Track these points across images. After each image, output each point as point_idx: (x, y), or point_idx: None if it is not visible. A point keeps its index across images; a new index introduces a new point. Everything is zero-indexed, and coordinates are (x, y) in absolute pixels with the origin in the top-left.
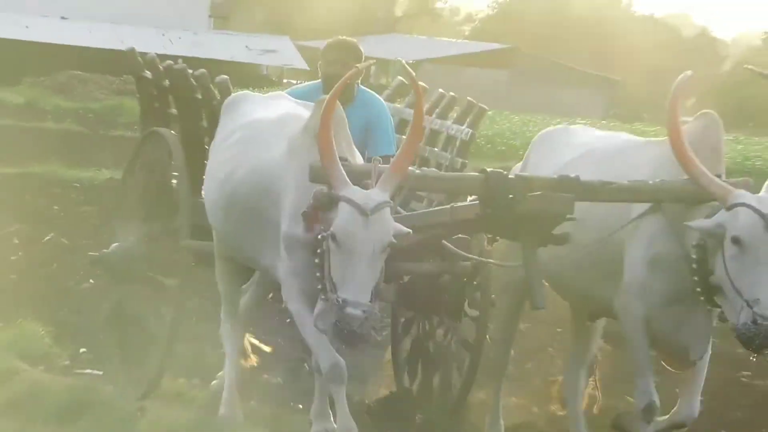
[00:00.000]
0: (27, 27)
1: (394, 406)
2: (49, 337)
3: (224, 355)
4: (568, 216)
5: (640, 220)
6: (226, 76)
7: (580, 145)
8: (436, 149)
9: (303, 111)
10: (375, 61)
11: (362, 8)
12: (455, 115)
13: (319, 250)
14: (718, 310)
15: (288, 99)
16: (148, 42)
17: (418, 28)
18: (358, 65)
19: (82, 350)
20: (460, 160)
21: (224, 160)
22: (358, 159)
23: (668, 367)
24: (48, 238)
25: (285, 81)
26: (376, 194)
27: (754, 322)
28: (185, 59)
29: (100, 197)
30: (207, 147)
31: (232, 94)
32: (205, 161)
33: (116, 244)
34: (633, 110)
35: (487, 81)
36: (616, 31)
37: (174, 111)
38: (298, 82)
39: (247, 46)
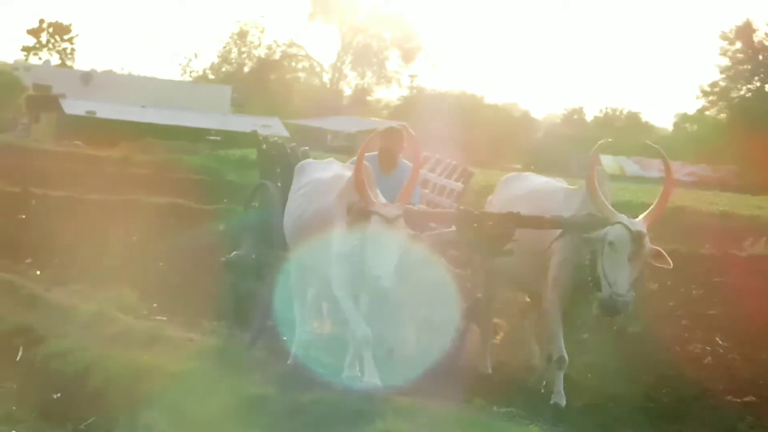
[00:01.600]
0: (121, 112)
1: None
2: (135, 296)
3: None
4: (512, 238)
5: (559, 239)
6: (306, 148)
7: (527, 187)
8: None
9: (347, 172)
10: (405, 124)
11: (321, 99)
12: (455, 175)
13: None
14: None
15: (337, 164)
16: (194, 120)
17: (356, 112)
18: (396, 124)
19: (154, 304)
20: (456, 204)
21: (298, 204)
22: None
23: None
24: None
25: None
26: (394, 208)
27: (611, 297)
28: (216, 131)
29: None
30: None
31: (301, 162)
32: None
33: (236, 252)
34: (480, 162)
35: None
36: (476, 112)
37: (278, 170)
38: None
39: (253, 123)
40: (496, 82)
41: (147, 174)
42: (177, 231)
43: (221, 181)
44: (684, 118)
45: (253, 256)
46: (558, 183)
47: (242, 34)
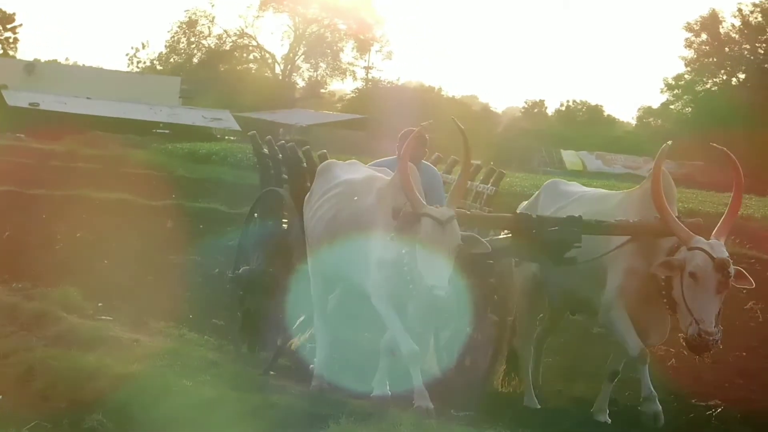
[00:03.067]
0: (65, 103)
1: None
2: (80, 295)
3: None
4: (576, 244)
5: (621, 244)
6: (324, 150)
7: (575, 193)
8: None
9: (380, 174)
10: (430, 121)
11: (273, 92)
12: (482, 177)
13: (406, 267)
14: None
15: (360, 164)
16: (142, 112)
17: (309, 105)
18: (423, 123)
19: (100, 304)
20: (487, 209)
21: (328, 208)
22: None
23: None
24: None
25: (226, 138)
26: (447, 210)
27: (699, 334)
28: (165, 124)
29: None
30: None
31: (323, 163)
32: None
33: (245, 267)
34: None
35: (351, 138)
36: (432, 106)
37: (285, 176)
38: (234, 138)
39: (203, 116)
40: (455, 74)
41: (93, 168)
42: (124, 228)
43: (170, 175)
44: (648, 112)
45: (271, 271)
46: (604, 190)
47: (191, 24)
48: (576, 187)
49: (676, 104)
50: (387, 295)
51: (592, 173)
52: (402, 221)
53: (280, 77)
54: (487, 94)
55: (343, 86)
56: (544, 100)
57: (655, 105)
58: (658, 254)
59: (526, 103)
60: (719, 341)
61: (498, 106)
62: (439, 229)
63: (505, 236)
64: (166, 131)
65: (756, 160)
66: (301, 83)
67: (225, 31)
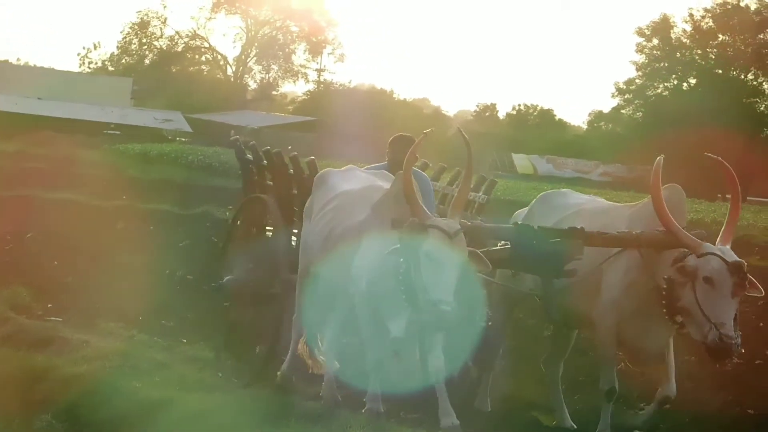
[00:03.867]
0: (16, 104)
1: None
2: (29, 296)
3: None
4: (577, 256)
5: (618, 255)
6: (313, 157)
7: (573, 205)
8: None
9: (380, 182)
10: (431, 130)
11: (224, 93)
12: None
13: (401, 277)
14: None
15: (359, 171)
16: (93, 113)
17: (261, 107)
18: (425, 131)
19: (49, 305)
20: (479, 218)
21: (325, 222)
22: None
23: (631, 366)
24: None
25: (177, 139)
26: (454, 222)
27: (720, 339)
28: (116, 125)
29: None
30: (296, 209)
31: (320, 172)
32: (294, 219)
33: (229, 276)
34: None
35: (302, 140)
36: (386, 108)
37: (269, 182)
38: (186, 139)
39: (154, 117)
40: (406, 77)
41: (43, 168)
42: (74, 228)
43: (121, 176)
44: (599, 117)
45: (257, 281)
46: (602, 200)
47: (143, 25)
48: (570, 198)
49: (627, 109)
50: (370, 307)
51: (543, 177)
52: (407, 232)
53: (232, 79)
54: (438, 97)
55: (294, 88)
56: (495, 104)
57: (606, 109)
58: (658, 267)
59: (477, 106)
60: (740, 345)
61: (449, 109)
62: (447, 241)
63: (502, 247)
64: (117, 132)
65: (706, 165)
66: (252, 85)
67: (177, 32)
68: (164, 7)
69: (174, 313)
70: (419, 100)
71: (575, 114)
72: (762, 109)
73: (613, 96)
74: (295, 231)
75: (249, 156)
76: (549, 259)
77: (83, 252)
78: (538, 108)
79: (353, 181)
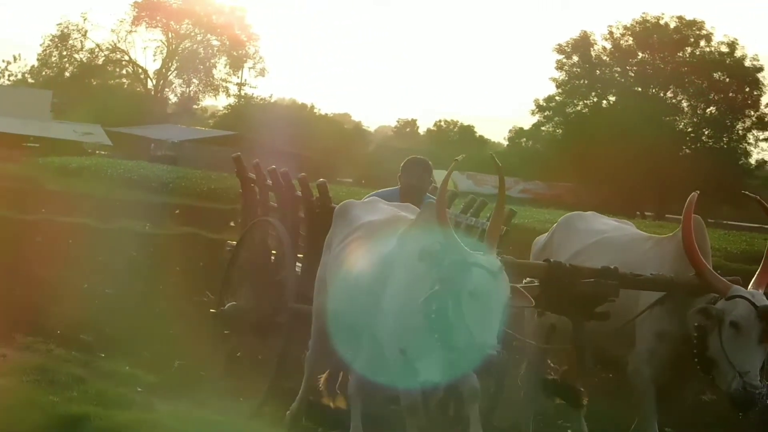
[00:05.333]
0: None
1: None
2: None
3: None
4: (611, 298)
5: (648, 300)
6: (324, 180)
7: (596, 232)
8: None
9: (404, 213)
10: (463, 156)
11: (144, 107)
12: (489, 214)
13: (433, 315)
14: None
15: (382, 202)
16: (13, 126)
17: (182, 121)
18: (457, 158)
19: None
20: (498, 250)
21: (347, 254)
22: None
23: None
24: None
25: (97, 152)
26: (495, 259)
27: (744, 388)
28: (35, 138)
29: None
30: (302, 233)
31: (341, 203)
32: (300, 243)
33: (231, 303)
34: (311, 175)
35: (223, 154)
36: (305, 123)
37: (274, 204)
38: (106, 153)
39: (74, 130)
40: (327, 92)
41: None
42: None
43: (40, 190)
44: (519, 133)
45: (261, 309)
46: (629, 227)
47: (63, 37)
48: (593, 222)
49: (547, 126)
50: (399, 347)
51: (463, 193)
52: (446, 270)
53: (153, 92)
54: (359, 112)
55: (215, 102)
56: (416, 120)
57: (527, 126)
58: (690, 314)
59: (398, 121)
60: (766, 396)
61: (370, 125)
62: (491, 280)
63: (530, 284)
64: (37, 145)
65: (625, 182)
66: (173, 98)
67: (97, 45)
68: (84, 20)
69: (92, 327)
70: (340, 114)
71: (496, 130)
72: (681, 126)
73: (533, 113)
74: (300, 256)
75: (252, 175)
76: (580, 301)
77: (1, 265)
78: (459, 124)
79: (376, 213)
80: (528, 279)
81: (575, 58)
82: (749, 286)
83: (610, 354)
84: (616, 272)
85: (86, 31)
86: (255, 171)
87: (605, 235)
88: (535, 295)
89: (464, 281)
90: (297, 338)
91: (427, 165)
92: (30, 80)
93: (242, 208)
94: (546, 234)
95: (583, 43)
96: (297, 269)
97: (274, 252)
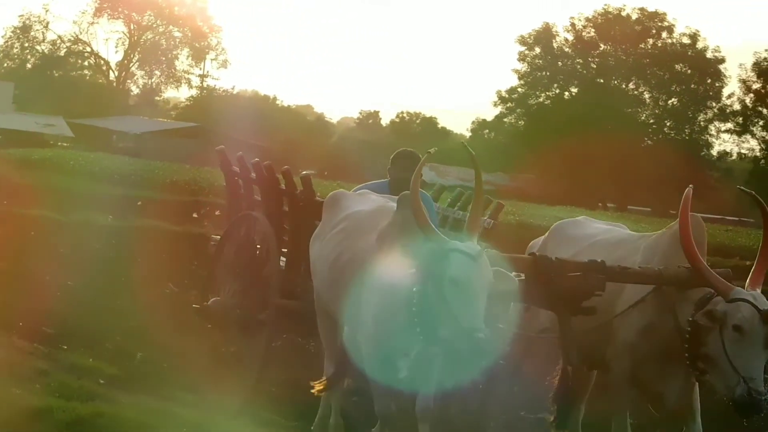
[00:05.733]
0: None
1: None
2: None
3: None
4: (597, 292)
5: (634, 292)
6: (307, 172)
7: (589, 236)
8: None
9: (392, 204)
10: (435, 149)
11: (106, 99)
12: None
13: (414, 308)
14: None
15: (373, 194)
16: None
17: (144, 112)
18: (430, 150)
19: None
20: (484, 244)
21: (333, 246)
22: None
23: (654, 412)
24: None
25: (59, 144)
26: (474, 244)
27: (749, 394)
28: None
29: None
30: (286, 227)
31: (331, 193)
32: (284, 237)
33: (214, 298)
34: (277, 166)
35: (185, 146)
36: (267, 115)
37: (258, 197)
38: (68, 144)
39: (35, 122)
40: (290, 83)
41: None
42: None
43: (2, 181)
44: (482, 125)
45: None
46: (621, 229)
47: (25, 29)
48: (586, 228)
49: (510, 117)
50: (389, 344)
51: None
52: (425, 259)
53: (115, 84)
54: (322, 104)
55: (177, 94)
56: (378, 111)
57: (489, 118)
58: (680, 306)
59: (360, 113)
60: None
61: (333, 116)
62: (472, 264)
63: (516, 278)
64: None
65: (587, 174)
66: (135, 90)
67: (59, 36)
68: (46, 11)
69: (55, 319)
70: (302, 106)
71: (459, 122)
72: (643, 118)
73: (495, 104)
74: (284, 250)
75: (235, 169)
76: (567, 295)
77: None
78: (421, 116)
79: (364, 203)
80: (513, 273)
81: (537, 50)
82: (746, 285)
83: (593, 350)
84: (603, 266)
85: (48, 23)
86: (239, 164)
87: (597, 238)
88: (520, 289)
89: (444, 268)
90: (280, 334)
91: (416, 157)
92: None
93: (226, 202)
94: (538, 240)
95: (545, 35)
96: (281, 264)
97: (258, 246)
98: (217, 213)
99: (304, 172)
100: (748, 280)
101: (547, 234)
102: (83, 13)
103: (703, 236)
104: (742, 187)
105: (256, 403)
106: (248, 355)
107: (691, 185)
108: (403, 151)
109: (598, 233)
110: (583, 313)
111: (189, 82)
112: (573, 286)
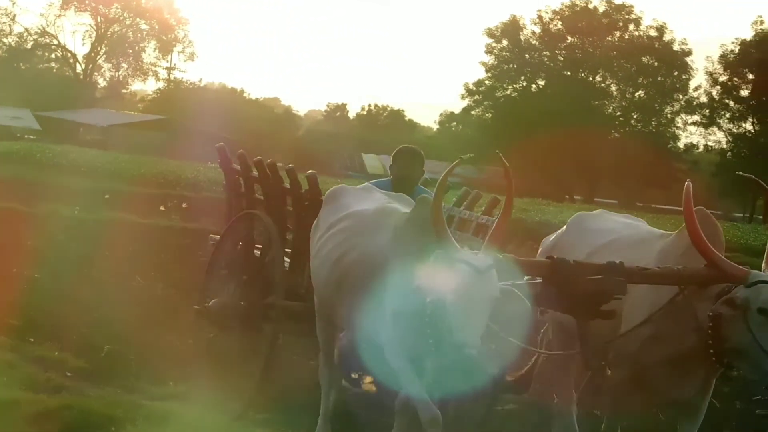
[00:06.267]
0: None
1: None
2: None
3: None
4: (617, 296)
5: (637, 296)
6: (314, 171)
7: (608, 232)
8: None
9: (396, 204)
10: (469, 155)
11: (73, 91)
12: (484, 207)
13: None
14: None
15: (376, 191)
16: None
17: (111, 105)
18: (462, 156)
19: None
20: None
21: (335, 244)
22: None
23: (663, 417)
24: None
25: (26, 137)
26: (486, 257)
27: None
28: None
29: None
30: (289, 226)
31: (331, 188)
32: (288, 237)
33: (215, 300)
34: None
35: (152, 139)
36: (235, 107)
37: (259, 196)
38: (34, 137)
39: (2, 115)
40: (257, 76)
41: None
42: None
43: None
44: (449, 118)
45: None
46: (641, 224)
47: None
48: (606, 221)
49: (477, 110)
50: (403, 351)
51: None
52: (433, 266)
53: (82, 77)
54: (289, 97)
55: (145, 87)
56: (346, 104)
57: (457, 110)
58: (699, 305)
59: (328, 106)
60: None
61: (300, 109)
62: (476, 278)
63: (530, 281)
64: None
65: (554, 166)
66: (102, 83)
67: (26, 29)
68: (13, 3)
69: (21, 312)
70: (270, 99)
71: (426, 115)
72: (610, 111)
73: (462, 97)
74: (288, 251)
75: (236, 166)
76: (586, 298)
77: None
78: (389, 108)
79: (367, 201)
80: (527, 277)
81: (505, 42)
82: (762, 269)
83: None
84: (623, 267)
85: (15, 15)
86: (240, 162)
87: (617, 235)
88: (536, 293)
89: (448, 278)
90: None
91: (418, 154)
92: None
93: (225, 202)
94: (554, 235)
95: (512, 28)
96: (285, 266)
97: (259, 247)
98: (184, 206)
99: (310, 171)
100: (763, 265)
101: (564, 228)
102: (50, 5)
103: (716, 230)
104: (741, 173)
105: (257, 405)
106: (252, 355)
107: (689, 180)
108: (404, 148)
109: (617, 229)
110: (601, 317)
111: (156, 75)
112: (592, 289)
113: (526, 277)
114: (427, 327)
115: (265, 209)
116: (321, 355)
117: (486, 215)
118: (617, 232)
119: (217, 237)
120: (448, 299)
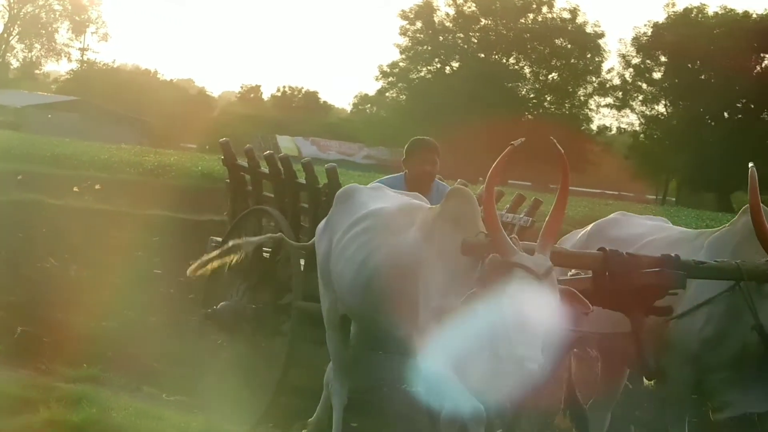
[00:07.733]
0: None
1: None
2: None
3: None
4: (671, 291)
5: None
6: (334, 164)
7: (638, 236)
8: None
9: (417, 201)
10: (523, 139)
11: None
12: (509, 204)
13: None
14: None
15: (389, 189)
16: None
17: (24, 86)
18: (513, 143)
19: None
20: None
21: (358, 246)
22: None
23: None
24: None
25: None
26: (543, 259)
27: None
28: None
29: None
30: (305, 225)
31: (344, 187)
32: (301, 236)
33: (224, 302)
34: (155, 140)
35: (65, 120)
36: (148, 88)
37: (268, 193)
38: None
39: None
40: (171, 57)
41: None
42: None
43: None
44: (364, 99)
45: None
46: (668, 224)
47: None
48: (629, 227)
49: (391, 92)
50: (447, 361)
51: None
52: (487, 270)
53: None
54: (203, 78)
55: (58, 67)
56: (260, 86)
57: (372, 92)
58: (761, 304)
59: (242, 87)
60: None
61: (214, 90)
62: (535, 284)
63: (574, 277)
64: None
65: (468, 148)
66: (15, 64)
67: None
68: None
69: None
70: (184, 80)
71: (341, 97)
72: (523, 93)
73: (377, 79)
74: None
75: (243, 163)
76: (641, 293)
77: None
78: (303, 90)
79: (385, 200)
80: (574, 271)
81: (419, 24)
82: None
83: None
84: (679, 260)
85: None
86: (248, 158)
87: (651, 238)
88: (584, 288)
89: (504, 282)
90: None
91: (435, 147)
92: None
93: (230, 200)
94: (575, 237)
95: (426, 9)
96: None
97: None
98: (97, 187)
99: (329, 164)
100: None
101: (586, 237)
102: None
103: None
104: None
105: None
106: (268, 359)
107: (752, 163)
108: (420, 140)
109: (648, 232)
110: (656, 313)
111: (69, 56)
112: (648, 283)
113: (571, 272)
114: (479, 338)
115: (277, 206)
116: (332, 369)
117: (528, 216)
118: (646, 236)
119: (219, 239)
120: (505, 309)
